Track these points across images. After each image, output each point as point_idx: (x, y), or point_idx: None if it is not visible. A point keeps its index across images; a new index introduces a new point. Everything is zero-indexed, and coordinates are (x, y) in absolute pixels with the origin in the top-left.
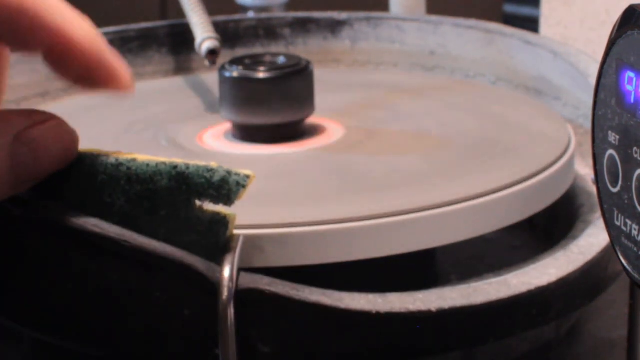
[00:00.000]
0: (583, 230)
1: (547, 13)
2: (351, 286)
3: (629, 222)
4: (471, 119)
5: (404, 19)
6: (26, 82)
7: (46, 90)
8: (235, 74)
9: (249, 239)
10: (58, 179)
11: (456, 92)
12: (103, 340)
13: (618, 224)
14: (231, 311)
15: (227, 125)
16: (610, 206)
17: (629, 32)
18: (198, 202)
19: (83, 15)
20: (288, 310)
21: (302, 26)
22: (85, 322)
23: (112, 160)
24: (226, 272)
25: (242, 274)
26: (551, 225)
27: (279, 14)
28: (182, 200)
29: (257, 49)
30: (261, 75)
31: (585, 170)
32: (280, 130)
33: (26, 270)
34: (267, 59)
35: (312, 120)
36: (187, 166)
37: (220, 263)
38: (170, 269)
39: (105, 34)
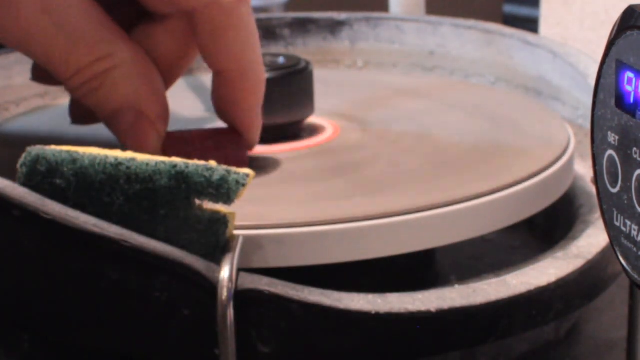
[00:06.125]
0: (583, 230)
1: (547, 13)
2: (351, 286)
3: (628, 223)
4: (470, 120)
5: (403, 20)
6: (26, 82)
7: (46, 91)
8: None
9: (248, 239)
10: (58, 179)
11: (456, 93)
12: (102, 340)
13: (617, 224)
14: (230, 311)
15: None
16: (609, 207)
17: (629, 33)
18: (197, 201)
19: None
20: (287, 311)
21: (302, 26)
22: (85, 322)
23: (111, 159)
24: (225, 272)
25: (242, 274)
26: (551, 226)
27: (278, 14)
28: (182, 199)
29: None
30: None
31: (584, 170)
32: (280, 130)
33: (26, 271)
34: (267, 59)
35: (312, 120)
36: (187, 165)
37: (219, 263)
38: (169, 269)
39: None
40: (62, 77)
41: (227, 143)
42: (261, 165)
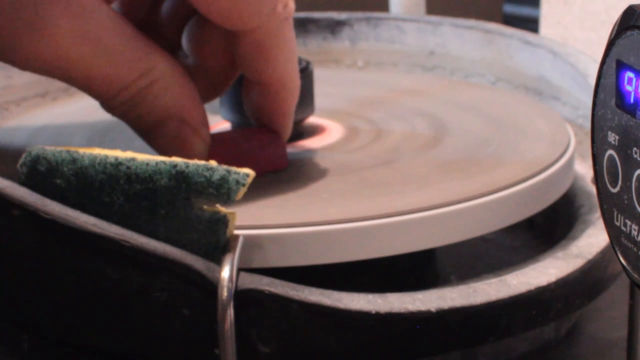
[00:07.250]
0: (583, 230)
1: (547, 13)
2: (351, 286)
3: (628, 223)
4: (471, 119)
5: (403, 19)
6: (26, 82)
7: (46, 90)
8: None
9: (248, 239)
10: (58, 179)
11: (456, 92)
12: (103, 340)
13: (618, 224)
14: (231, 311)
15: (227, 126)
16: (609, 206)
17: (629, 32)
18: (198, 201)
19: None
20: (288, 310)
21: (302, 26)
22: (85, 322)
23: (111, 159)
24: (226, 272)
25: (242, 274)
26: (551, 226)
27: None
28: (182, 199)
29: None
30: None
31: (584, 170)
32: None
33: (26, 270)
34: None
35: (312, 120)
36: (187, 165)
37: (219, 263)
38: (170, 269)
39: None
40: (104, 98)
41: (269, 141)
42: None
